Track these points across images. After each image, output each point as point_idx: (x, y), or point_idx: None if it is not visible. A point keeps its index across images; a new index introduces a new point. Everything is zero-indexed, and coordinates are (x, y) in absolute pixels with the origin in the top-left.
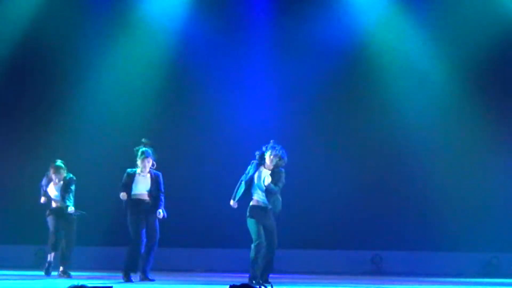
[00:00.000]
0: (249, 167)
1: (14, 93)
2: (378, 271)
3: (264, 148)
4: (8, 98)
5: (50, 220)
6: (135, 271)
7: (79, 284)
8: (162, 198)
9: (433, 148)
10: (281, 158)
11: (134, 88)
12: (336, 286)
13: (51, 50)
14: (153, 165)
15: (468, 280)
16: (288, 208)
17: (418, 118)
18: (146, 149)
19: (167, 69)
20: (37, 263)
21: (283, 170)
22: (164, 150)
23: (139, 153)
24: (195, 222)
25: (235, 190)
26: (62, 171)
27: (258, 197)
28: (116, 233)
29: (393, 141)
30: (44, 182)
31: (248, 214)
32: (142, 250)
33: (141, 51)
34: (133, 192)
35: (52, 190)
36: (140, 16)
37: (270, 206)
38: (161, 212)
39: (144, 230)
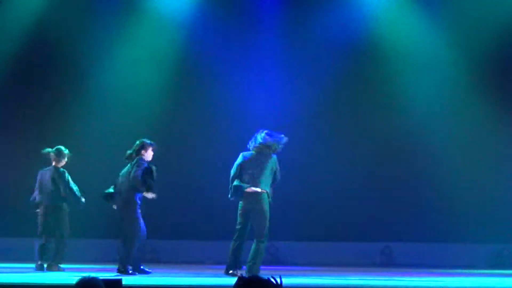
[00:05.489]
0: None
1: (21, 86)
2: (388, 262)
3: (267, 137)
4: (16, 91)
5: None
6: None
7: (90, 276)
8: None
9: (443, 140)
10: None
11: (141, 81)
12: (346, 278)
13: (59, 42)
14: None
15: (478, 271)
16: (297, 200)
17: (427, 109)
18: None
19: (175, 62)
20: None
21: None
22: (175, 141)
23: (145, 143)
24: (206, 214)
25: None
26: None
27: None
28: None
29: (402, 133)
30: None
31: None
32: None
33: (149, 43)
34: None
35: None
36: (149, 7)
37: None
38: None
39: None
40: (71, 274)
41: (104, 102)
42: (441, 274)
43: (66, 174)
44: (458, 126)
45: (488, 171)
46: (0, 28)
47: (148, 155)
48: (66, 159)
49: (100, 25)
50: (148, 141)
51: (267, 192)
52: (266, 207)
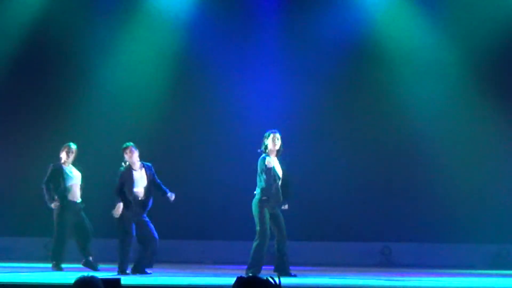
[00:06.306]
0: (267, 159)
1: (20, 86)
2: (387, 263)
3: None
4: (15, 91)
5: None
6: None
7: (89, 275)
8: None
9: (442, 140)
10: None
11: (141, 80)
12: (345, 278)
13: (59, 41)
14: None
15: (477, 271)
16: (297, 200)
17: (428, 110)
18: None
19: (176, 61)
20: (46, 255)
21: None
22: (175, 141)
23: (122, 148)
24: (206, 214)
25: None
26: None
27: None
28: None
29: (402, 133)
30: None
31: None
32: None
33: (150, 42)
34: (134, 189)
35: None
36: (149, 7)
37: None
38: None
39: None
40: (70, 273)
41: (104, 101)
42: (441, 274)
43: (52, 170)
44: (457, 126)
45: (488, 171)
46: (0, 27)
47: (128, 158)
48: (67, 154)
49: (101, 24)
50: (123, 145)
51: (257, 193)
52: (254, 207)
